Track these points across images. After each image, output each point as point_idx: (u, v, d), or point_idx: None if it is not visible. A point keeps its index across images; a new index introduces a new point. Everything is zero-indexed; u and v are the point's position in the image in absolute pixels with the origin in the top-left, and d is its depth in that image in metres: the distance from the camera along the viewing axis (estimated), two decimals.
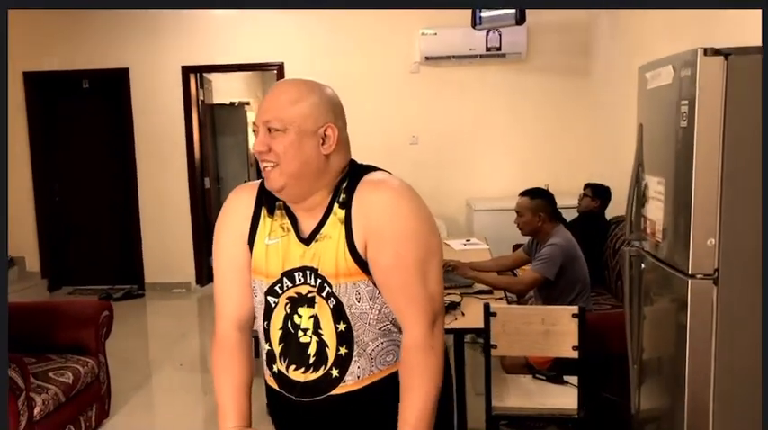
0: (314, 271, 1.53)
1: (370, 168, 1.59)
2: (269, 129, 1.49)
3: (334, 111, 1.54)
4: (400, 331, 1.56)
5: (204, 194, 7.03)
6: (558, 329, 2.72)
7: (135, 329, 5.82)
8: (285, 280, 1.56)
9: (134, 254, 6.93)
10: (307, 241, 1.55)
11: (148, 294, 6.84)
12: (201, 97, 6.96)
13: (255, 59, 6.67)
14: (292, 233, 1.57)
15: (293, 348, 1.56)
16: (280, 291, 1.57)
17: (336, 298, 1.52)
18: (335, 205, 1.54)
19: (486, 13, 5.38)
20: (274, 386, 1.63)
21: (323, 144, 1.51)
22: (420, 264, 1.50)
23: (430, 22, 6.23)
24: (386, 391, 1.56)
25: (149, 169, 6.81)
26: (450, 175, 6.53)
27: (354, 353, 1.53)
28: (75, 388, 3.44)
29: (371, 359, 1.55)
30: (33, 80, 6.72)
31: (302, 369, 1.55)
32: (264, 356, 1.64)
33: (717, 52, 2.06)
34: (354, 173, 1.57)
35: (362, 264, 1.51)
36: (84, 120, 6.94)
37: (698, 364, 2.12)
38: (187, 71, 6.65)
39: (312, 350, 1.54)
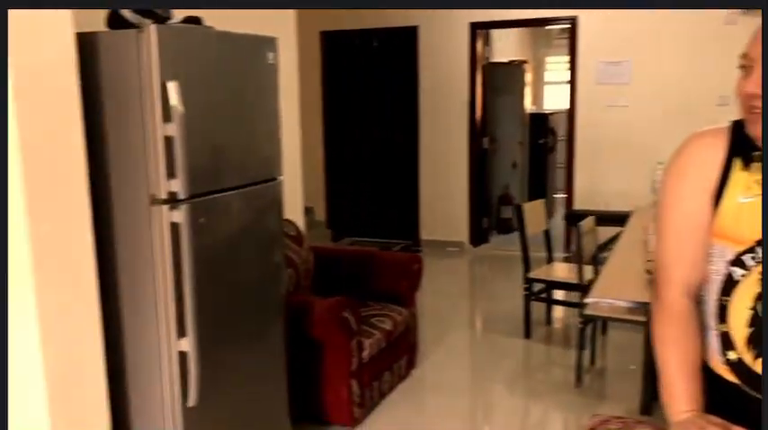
0: None
1: None
2: None
3: None
4: None
5: (483, 154, 6.93)
6: None
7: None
8: (759, 250, 1.29)
9: (411, 210, 7.07)
10: None
11: (423, 251, 6.95)
12: (487, 55, 6.82)
13: (546, 14, 6.36)
14: None
15: None
16: (751, 262, 1.30)
17: None
18: None
19: None
20: (729, 377, 1.37)
21: None
22: None
23: None
24: None
25: (431, 127, 6.86)
26: None
27: None
28: (393, 335, 3.51)
29: None
30: (329, 39, 7.07)
31: None
32: (714, 338, 1.39)
33: None
34: None
35: None
36: (373, 79, 7.15)
37: None
38: (475, 28, 6.54)
39: None
